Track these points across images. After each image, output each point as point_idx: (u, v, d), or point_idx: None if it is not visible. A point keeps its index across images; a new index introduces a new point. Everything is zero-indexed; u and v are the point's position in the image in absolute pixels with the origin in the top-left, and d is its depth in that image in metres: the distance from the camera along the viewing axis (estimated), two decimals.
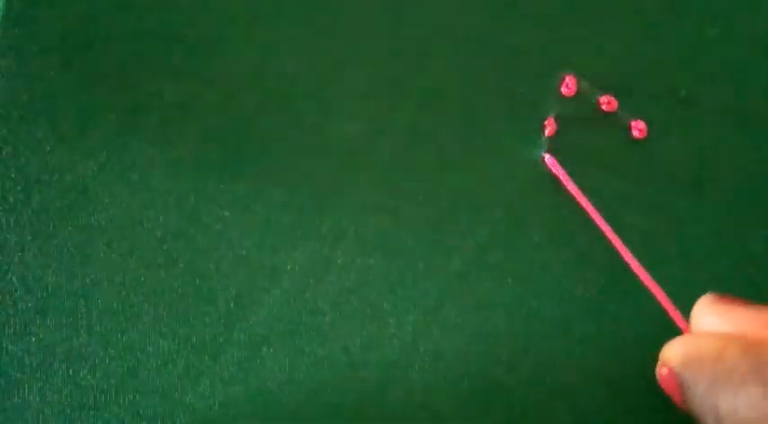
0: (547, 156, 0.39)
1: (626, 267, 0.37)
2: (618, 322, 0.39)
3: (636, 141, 0.40)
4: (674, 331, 0.34)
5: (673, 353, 0.32)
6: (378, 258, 0.39)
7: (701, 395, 0.30)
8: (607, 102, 0.40)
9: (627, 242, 0.37)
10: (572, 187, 0.38)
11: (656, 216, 0.40)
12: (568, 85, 0.40)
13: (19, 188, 0.38)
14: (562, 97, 0.40)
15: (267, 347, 0.38)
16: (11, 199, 0.38)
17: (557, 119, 0.40)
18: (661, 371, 0.32)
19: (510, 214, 0.39)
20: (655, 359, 0.33)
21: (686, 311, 0.34)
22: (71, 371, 0.37)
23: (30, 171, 0.38)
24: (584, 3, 0.41)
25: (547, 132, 0.40)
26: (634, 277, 0.37)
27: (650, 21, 0.41)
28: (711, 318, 0.32)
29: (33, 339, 0.37)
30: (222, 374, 0.38)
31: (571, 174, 0.39)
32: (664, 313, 0.36)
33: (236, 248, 0.38)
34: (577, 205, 0.39)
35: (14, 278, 0.38)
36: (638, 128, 0.40)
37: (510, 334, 0.38)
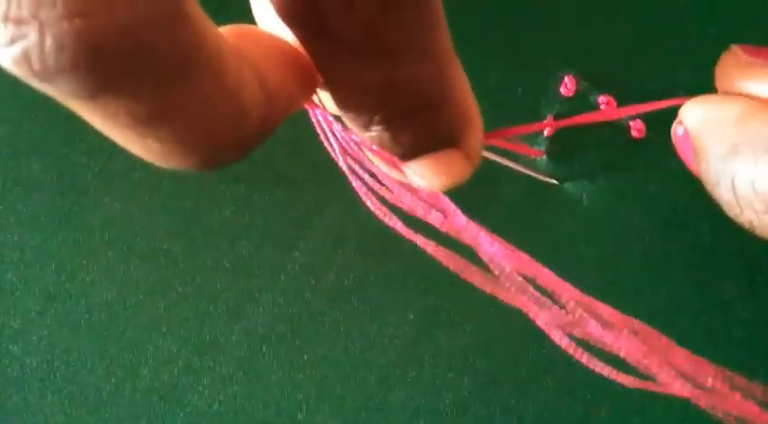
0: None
1: None
2: None
3: (634, 141, 0.40)
4: None
5: (692, 112, 0.27)
6: (378, 257, 0.39)
7: (718, 161, 0.25)
8: (606, 102, 0.40)
9: (627, 241, 0.37)
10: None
11: (655, 215, 0.40)
12: (567, 85, 0.40)
13: (19, 188, 0.38)
14: (561, 97, 0.40)
15: (267, 347, 0.38)
16: (11, 199, 0.38)
17: (556, 118, 0.40)
18: (677, 130, 0.28)
19: (510, 213, 0.39)
20: None
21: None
22: (71, 371, 0.37)
23: (30, 171, 0.38)
24: (584, 3, 0.41)
25: (546, 132, 0.40)
26: None
27: (649, 21, 0.41)
28: (737, 77, 0.27)
29: (33, 339, 0.37)
30: (222, 374, 0.38)
31: (570, 174, 0.39)
32: None
33: (236, 248, 0.38)
34: (577, 204, 0.39)
35: (14, 278, 0.38)
36: (637, 128, 0.40)
37: (509, 334, 0.38)
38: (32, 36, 0.14)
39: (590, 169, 0.40)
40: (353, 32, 0.19)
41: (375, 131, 0.22)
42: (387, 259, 0.39)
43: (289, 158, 0.39)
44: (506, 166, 0.39)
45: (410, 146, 0.23)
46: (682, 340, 0.38)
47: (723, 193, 0.25)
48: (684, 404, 0.37)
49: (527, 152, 0.39)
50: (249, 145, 0.20)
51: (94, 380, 0.37)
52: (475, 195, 0.40)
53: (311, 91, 0.22)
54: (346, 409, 0.37)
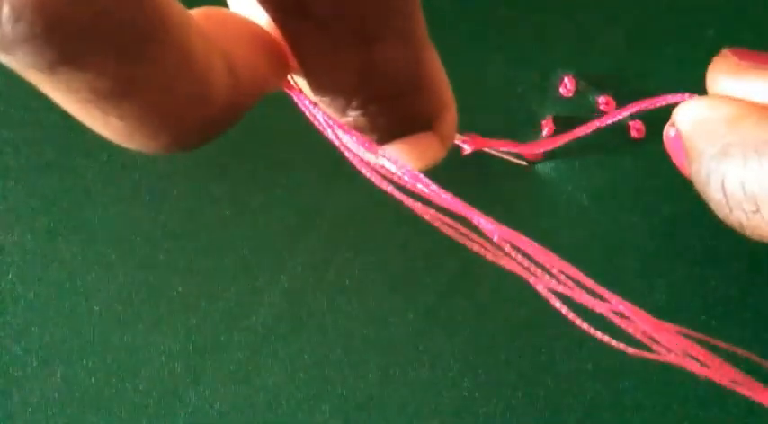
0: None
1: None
2: None
3: (634, 141, 0.40)
4: None
5: (684, 114, 0.28)
6: (378, 257, 0.39)
7: (709, 162, 0.26)
8: (605, 102, 0.40)
9: (627, 241, 0.37)
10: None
11: (654, 215, 0.40)
12: (567, 85, 0.40)
13: (19, 187, 0.38)
14: (561, 97, 0.41)
15: (267, 347, 0.38)
16: (11, 199, 0.38)
17: (555, 119, 0.40)
18: (668, 132, 0.28)
19: (508, 214, 0.39)
20: None
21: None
22: (71, 371, 0.37)
23: (30, 170, 0.38)
24: (584, 3, 0.41)
25: (545, 132, 0.40)
26: None
27: (649, 21, 0.41)
28: (729, 80, 0.27)
29: (33, 339, 0.37)
30: (222, 374, 0.38)
31: (570, 174, 0.39)
32: None
33: (237, 248, 0.38)
34: (577, 204, 0.39)
35: (14, 278, 0.38)
36: (636, 128, 0.40)
37: (509, 334, 0.38)
38: None
39: (590, 169, 0.40)
40: (330, 12, 0.19)
41: (352, 116, 0.22)
42: (387, 258, 0.39)
43: (289, 158, 0.39)
44: (488, 153, 0.39)
45: (387, 130, 0.23)
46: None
47: (713, 194, 0.26)
48: (684, 404, 0.37)
49: (527, 153, 0.39)
50: (216, 128, 0.19)
51: (94, 380, 0.37)
52: (473, 195, 0.40)
53: (283, 74, 0.22)
54: (346, 409, 0.37)
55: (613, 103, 0.40)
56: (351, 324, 0.38)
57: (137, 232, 0.38)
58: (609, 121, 0.35)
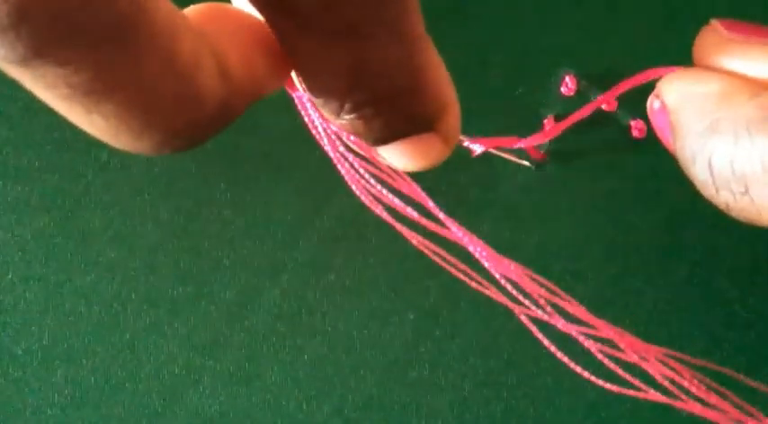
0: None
1: None
2: None
3: (635, 141, 0.40)
4: None
5: (671, 86, 0.26)
6: (379, 257, 0.39)
7: (695, 139, 0.24)
8: (607, 102, 0.40)
9: (627, 241, 0.37)
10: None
11: (655, 215, 0.40)
12: (568, 85, 0.40)
13: (19, 187, 0.38)
14: (562, 96, 0.40)
15: (267, 347, 0.38)
16: (11, 199, 0.38)
17: (556, 118, 0.40)
18: (653, 104, 0.26)
19: (508, 214, 0.39)
20: None
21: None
22: (71, 371, 0.37)
23: (30, 171, 0.38)
24: (585, 3, 0.41)
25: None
26: None
27: (649, 21, 0.41)
28: (718, 54, 0.26)
29: (33, 339, 0.37)
30: (222, 374, 0.38)
31: (571, 173, 0.39)
32: None
33: (237, 248, 0.38)
34: (578, 204, 0.39)
35: (14, 278, 0.38)
36: (638, 128, 0.40)
37: (509, 334, 0.38)
38: None
39: (591, 169, 0.40)
40: (314, 7, 0.18)
41: (346, 119, 0.21)
42: (387, 259, 0.39)
43: (289, 158, 0.39)
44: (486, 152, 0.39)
45: (384, 133, 0.22)
46: (682, 340, 0.38)
47: (699, 172, 0.24)
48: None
49: (530, 153, 0.39)
50: (206, 130, 0.19)
51: (94, 380, 0.37)
52: (474, 195, 0.40)
53: (284, 75, 0.21)
54: (346, 409, 0.37)
55: (615, 103, 0.40)
56: (351, 324, 0.38)
57: (136, 232, 0.38)
58: (602, 106, 0.35)
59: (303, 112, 0.24)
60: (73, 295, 0.38)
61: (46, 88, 0.16)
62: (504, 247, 0.39)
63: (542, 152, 0.40)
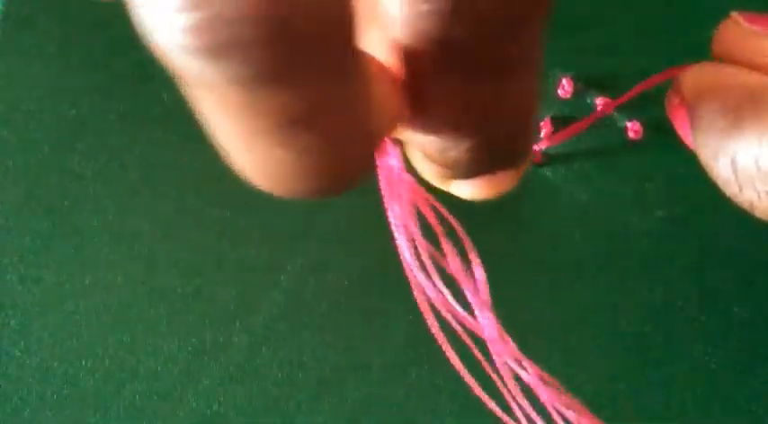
0: None
1: None
2: None
3: (631, 142, 0.40)
4: None
5: (693, 80, 0.25)
6: (379, 257, 0.39)
7: (717, 136, 0.23)
8: (603, 104, 0.40)
9: (625, 242, 0.38)
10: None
11: (653, 216, 0.40)
12: (565, 87, 0.41)
13: (18, 188, 0.38)
14: (559, 98, 0.41)
15: (267, 347, 0.38)
16: (11, 199, 0.38)
17: (553, 120, 0.40)
18: (672, 100, 0.25)
19: (508, 215, 0.40)
20: None
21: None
22: (71, 371, 0.37)
23: (30, 171, 0.38)
24: (582, 4, 0.41)
25: (543, 133, 0.40)
26: None
27: (647, 22, 0.42)
28: (739, 48, 0.24)
29: (33, 339, 0.37)
30: (222, 374, 0.38)
31: (569, 176, 0.39)
32: None
33: (237, 248, 0.38)
34: (577, 205, 0.39)
35: (14, 278, 0.38)
36: (634, 130, 0.40)
37: (511, 333, 0.39)
38: (209, 3, 0.12)
39: (588, 170, 0.40)
40: (469, 37, 0.16)
41: (452, 155, 0.19)
42: (387, 259, 0.39)
43: None
44: None
45: (483, 168, 0.20)
46: (681, 341, 0.38)
47: (721, 170, 0.23)
48: (684, 403, 0.37)
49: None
50: (365, 169, 0.17)
51: (94, 380, 0.37)
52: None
53: (403, 117, 0.18)
54: (346, 409, 0.38)
55: (612, 105, 0.40)
56: (351, 325, 0.38)
57: (136, 232, 0.38)
58: (611, 112, 0.35)
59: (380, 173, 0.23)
60: (73, 295, 0.38)
61: (250, 117, 0.14)
62: (500, 248, 0.39)
63: (538, 153, 0.40)
